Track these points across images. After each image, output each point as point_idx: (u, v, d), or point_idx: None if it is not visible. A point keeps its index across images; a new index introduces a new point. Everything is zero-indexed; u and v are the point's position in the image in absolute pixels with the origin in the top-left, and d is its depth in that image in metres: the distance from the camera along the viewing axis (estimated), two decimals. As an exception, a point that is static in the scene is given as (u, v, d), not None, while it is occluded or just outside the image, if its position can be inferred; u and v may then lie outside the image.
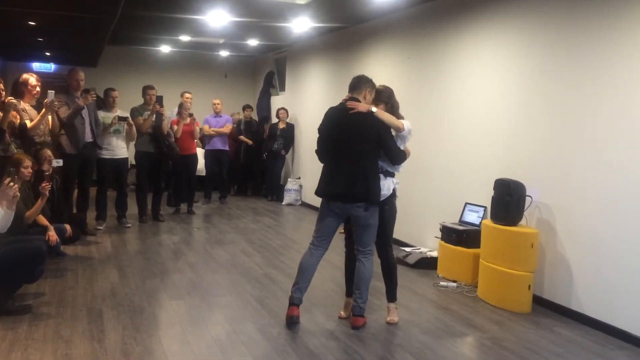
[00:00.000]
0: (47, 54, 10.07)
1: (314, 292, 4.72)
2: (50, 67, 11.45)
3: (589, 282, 4.31)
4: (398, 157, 4.00)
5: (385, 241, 4.21)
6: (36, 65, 11.24)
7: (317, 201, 9.85)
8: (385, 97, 4.17)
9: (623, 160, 4.04)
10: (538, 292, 4.68)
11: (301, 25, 7.80)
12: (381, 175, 4.06)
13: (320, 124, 4.17)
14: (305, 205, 9.64)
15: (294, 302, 4.07)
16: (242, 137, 10.22)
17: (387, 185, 4.08)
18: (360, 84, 4.06)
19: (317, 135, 4.19)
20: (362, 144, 3.94)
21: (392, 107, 4.18)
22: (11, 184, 3.75)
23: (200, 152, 8.89)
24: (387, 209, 4.12)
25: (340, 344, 3.77)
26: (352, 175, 3.93)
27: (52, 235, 4.78)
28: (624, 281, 4.02)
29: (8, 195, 3.74)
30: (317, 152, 4.21)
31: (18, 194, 3.83)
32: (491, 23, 5.39)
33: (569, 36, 4.49)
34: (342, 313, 4.29)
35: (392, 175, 4.13)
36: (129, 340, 3.66)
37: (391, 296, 4.30)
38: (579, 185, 4.39)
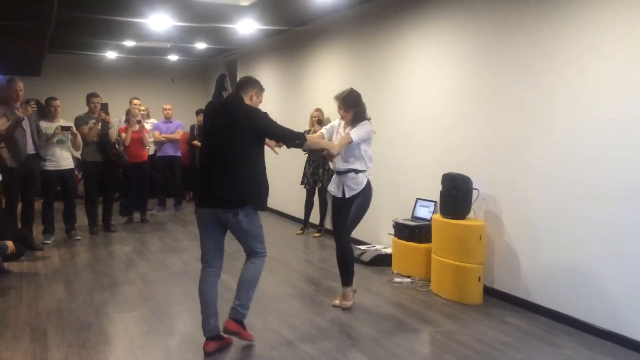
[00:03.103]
0: (-13, 64, 9.68)
1: (266, 296, 4.68)
2: (-7, 77, 11.02)
3: (535, 271, 4.39)
4: (288, 137, 3.76)
5: (344, 230, 4.26)
6: (-24, 76, 10.80)
7: (275, 204, 9.71)
8: (352, 104, 4.27)
9: (566, 152, 4.13)
10: (488, 282, 4.75)
11: (247, 27, 7.73)
12: (352, 173, 4.24)
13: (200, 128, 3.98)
14: (262, 207, 9.53)
15: (206, 336, 3.63)
16: (195, 142, 10.05)
17: (360, 181, 4.27)
18: (246, 84, 3.76)
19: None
20: (235, 142, 3.53)
21: (360, 112, 4.30)
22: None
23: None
24: (359, 199, 4.27)
25: (292, 347, 3.73)
26: (223, 178, 3.55)
27: (-9, 253, 4.60)
28: (568, 269, 4.11)
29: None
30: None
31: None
32: (433, 19, 5.45)
33: (512, 30, 4.55)
34: (337, 301, 4.49)
35: (363, 171, 4.27)
36: (74, 357, 3.54)
37: (346, 281, 4.40)
38: (524, 178, 4.47)
